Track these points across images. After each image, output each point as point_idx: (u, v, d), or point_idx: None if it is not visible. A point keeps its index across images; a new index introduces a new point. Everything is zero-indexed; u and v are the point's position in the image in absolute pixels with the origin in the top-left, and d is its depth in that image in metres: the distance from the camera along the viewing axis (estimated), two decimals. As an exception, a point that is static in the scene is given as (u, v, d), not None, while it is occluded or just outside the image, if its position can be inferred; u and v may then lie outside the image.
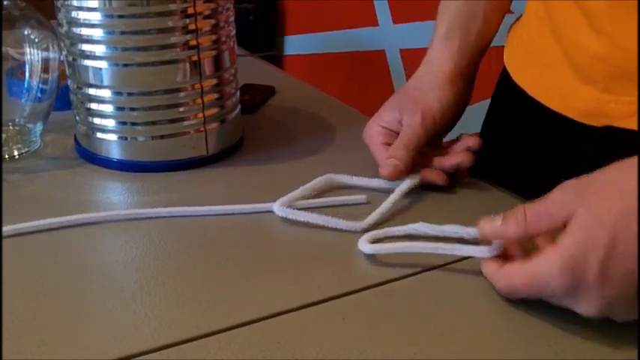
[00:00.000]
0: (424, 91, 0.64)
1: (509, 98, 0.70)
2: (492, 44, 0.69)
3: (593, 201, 0.41)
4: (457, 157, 0.62)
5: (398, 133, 0.63)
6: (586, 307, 0.42)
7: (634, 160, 0.42)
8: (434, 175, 0.61)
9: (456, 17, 0.67)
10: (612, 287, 0.40)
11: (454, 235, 0.50)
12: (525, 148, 0.68)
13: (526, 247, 0.47)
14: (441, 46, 0.66)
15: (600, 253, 0.40)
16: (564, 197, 0.43)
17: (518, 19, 0.71)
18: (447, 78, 0.65)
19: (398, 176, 0.60)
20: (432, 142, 0.64)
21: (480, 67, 0.69)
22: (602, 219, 0.40)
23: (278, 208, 0.57)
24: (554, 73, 0.61)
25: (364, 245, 0.51)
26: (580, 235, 0.41)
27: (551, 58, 0.62)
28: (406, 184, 0.59)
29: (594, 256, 0.40)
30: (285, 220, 0.56)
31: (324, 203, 0.59)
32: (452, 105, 0.64)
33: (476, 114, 0.73)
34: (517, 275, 0.44)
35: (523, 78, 0.67)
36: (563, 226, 0.42)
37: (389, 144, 0.62)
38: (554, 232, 0.43)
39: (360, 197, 0.60)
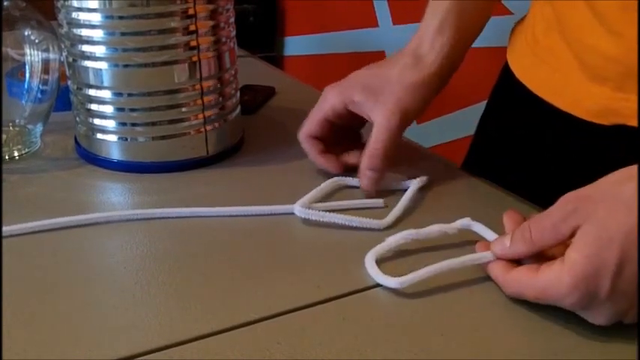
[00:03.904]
0: (408, 87, 0.61)
1: (512, 97, 0.70)
2: (490, 45, 0.68)
3: (600, 216, 0.41)
4: (355, 158, 0.62)
5: (343, 120, 0.63)
6: (597, 318, 0.42)
7: (634, 169, 0.42)
8: (330, 164, 0.63)
9: (448, 12, 0.64)
10: (623, 300, 0.41)
11: (439, 234, 0.52)
12: (526, 147, 0.68)
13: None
14: (433, 40, 0.63)
15: (611, 270, 0.40)
16: (566, 211, 0.42)
17: (521, 19, 0.71)
18: (437, 75, 0.62)
19: (376, 188, 0.61)
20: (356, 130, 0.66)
21: (477, 69, 0.68)
22: (612, 236, 0.40)
23: (299, 209, 0.57)
24: (563, 73, 0.61)
25: (386, 279, 0.48)
26: (589, 252, 0.40)
27: (559, 58, 0.61)
28: (416, 183, 0.61)
29: (606, 273, 0.40)
30: (285, 220, 0.56)
31: (342, 206, 0.59)
32: (428, 103, 0.62)
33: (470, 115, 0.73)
34: (527, 287, 0.44)
35: (530, 78, 0.66)
36: (568, 239, 0.42)
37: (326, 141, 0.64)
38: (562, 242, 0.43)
39: (378, 201, 0.60)
